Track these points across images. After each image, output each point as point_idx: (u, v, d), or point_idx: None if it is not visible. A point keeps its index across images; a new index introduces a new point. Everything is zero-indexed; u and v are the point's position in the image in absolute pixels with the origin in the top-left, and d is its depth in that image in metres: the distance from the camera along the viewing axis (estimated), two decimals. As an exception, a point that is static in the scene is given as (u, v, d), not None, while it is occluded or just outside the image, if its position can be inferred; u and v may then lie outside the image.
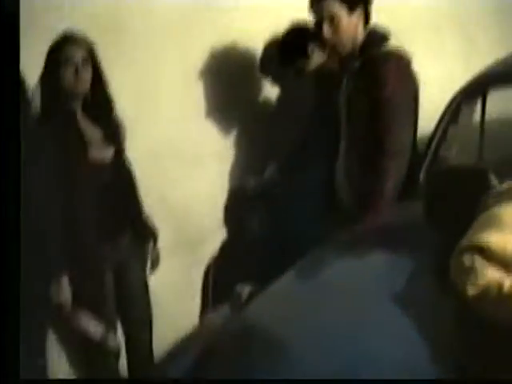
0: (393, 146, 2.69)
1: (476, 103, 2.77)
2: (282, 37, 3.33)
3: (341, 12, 2.74)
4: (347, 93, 2.81)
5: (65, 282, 2.70)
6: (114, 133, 2.89)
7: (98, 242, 2.77)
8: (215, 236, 3.50)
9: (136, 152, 3.04)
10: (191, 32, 3.32)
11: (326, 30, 2.76)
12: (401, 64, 2.76)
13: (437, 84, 3.12)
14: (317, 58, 3.21)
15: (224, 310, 2.35)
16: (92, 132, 2.84)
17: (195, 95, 3.42)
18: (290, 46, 3.26)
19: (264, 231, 3.31)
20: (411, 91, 2.79)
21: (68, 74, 2.72)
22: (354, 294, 1.95)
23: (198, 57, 3.39)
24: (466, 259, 1.56)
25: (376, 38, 2.79)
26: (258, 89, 3.58)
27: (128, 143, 2.98)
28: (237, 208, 3.45)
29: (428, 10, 3.76)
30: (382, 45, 2.78)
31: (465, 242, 1.62)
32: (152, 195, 3.14)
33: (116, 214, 2.84)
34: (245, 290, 2.35)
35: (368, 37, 2.79)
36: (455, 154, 2.70)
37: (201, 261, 3.46)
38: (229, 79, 3.49)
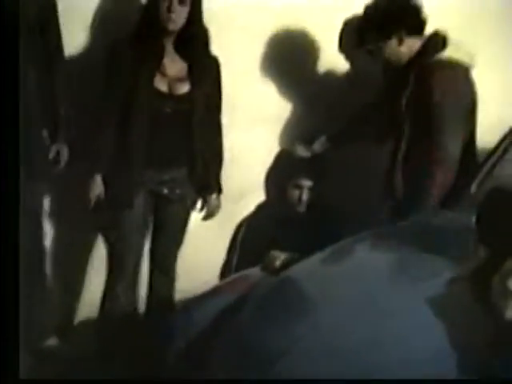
0: (439, 154, 2.77)
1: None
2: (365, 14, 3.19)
3: None
4: (408, 93, 2.88)
5: (98, 180, 2.82)
6: (198, 70, 2.90)
7: (139, 163, 2.84)
8: (255, 196, 3.54)
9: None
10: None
11: None
12: (452, 73, 2.83)
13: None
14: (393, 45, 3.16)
15: (256, 271, 2.42)
16: (175, 65, 2.88)
17: (258, 54, 3.41)
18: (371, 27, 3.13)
19: (304, 201, 3.35)
20: (464, 101, 2.85)
21: (162, 10, 2.74)
22: (382, 284, 2.02)
23: (265, 19, 3.36)
24: (511, 283, 1.61)
25: (432, 46, 2.89)
26: (320, 59, 3.54)
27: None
28: (281, 173, 3.49)
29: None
30: (437, 52, 2.86)
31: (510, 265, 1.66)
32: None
33: (171, 147, 2.89)
34: (280, 257, 2.41)
35: (426, 44, 2.91)
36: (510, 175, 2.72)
37: (235, 218, 3.51)
38: (293, 46, 3.47)
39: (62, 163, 2.88)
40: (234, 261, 3.43)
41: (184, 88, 2.88)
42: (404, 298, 1.90)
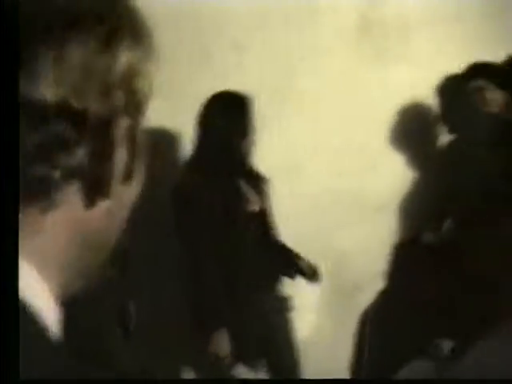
0: None
1: None
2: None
3: None
4: None
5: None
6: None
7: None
8: (371, 287, 3.39)
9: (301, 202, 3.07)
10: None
11: None
12: None
13: None
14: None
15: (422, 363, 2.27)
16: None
17: (366, 144, 3.35)
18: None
19: (437, 287, 3.06)
20: None
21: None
22: None
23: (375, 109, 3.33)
24: None
25: None
26: (435, 137, 3.49)
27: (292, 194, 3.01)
28: (407, 262, 3.29)
29: None
30: None
31: None
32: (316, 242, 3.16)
33: None
34: (446, 345, 2.27)
35: None
36: None
37: (354, 310, 3.37)
38: (403, 127, 3.42)
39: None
40: (366, 354, 3.27)
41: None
42: None
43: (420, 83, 3.34)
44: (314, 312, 3.25)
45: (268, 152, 2.90)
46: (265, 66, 3.09)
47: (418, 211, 3.39)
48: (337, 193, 3.22)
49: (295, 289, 3.06)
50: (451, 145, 3.41)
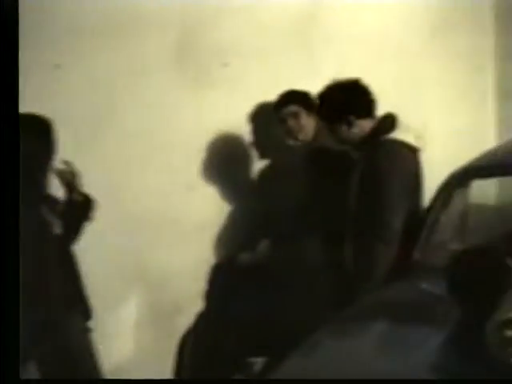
0: (382, 231, 2.77)
1: (466, 190, 2.85)
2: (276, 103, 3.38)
3: None
4: (358, 173, 2.88)
5: None
6: None
7: None
8: (190, 309, 3.45)
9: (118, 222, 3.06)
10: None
11: None
12: (399, 154, 2.86)
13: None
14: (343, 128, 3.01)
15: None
16: None
17: (183, 166, 3.39)
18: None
19: (252, 307, 3.22)
20: (408, 181, 2.88)
21: None
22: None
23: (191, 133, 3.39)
24: (509, 332, 1.63)
25: (383, 127, 2.90)
26: (248, 163, 3.59)
27: (109, 213, 2.95)
28: (223, 282, 3.42)
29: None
30: (387, 133, 2.88)
31: (503, 316, 1.68)
32: (131, 267, 3.18)
33: None
34: (257, 362, 2.36)
35: (377, 125, 2.91)
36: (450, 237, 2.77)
37: (175, 331, 3.41)
38: (218, 153, 3.49)
39: None
40: (186, 374, 3.32)
41: None
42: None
43: (234, 110, 3.43)
44: (132, 334, 3.25)
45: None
46: (82, 87, 3.02)
47: (236, 232, 3.49)
48: (155, 213, 3.23)
49: (111, 312, 3.09)
50: (264, 171, 3.57)
